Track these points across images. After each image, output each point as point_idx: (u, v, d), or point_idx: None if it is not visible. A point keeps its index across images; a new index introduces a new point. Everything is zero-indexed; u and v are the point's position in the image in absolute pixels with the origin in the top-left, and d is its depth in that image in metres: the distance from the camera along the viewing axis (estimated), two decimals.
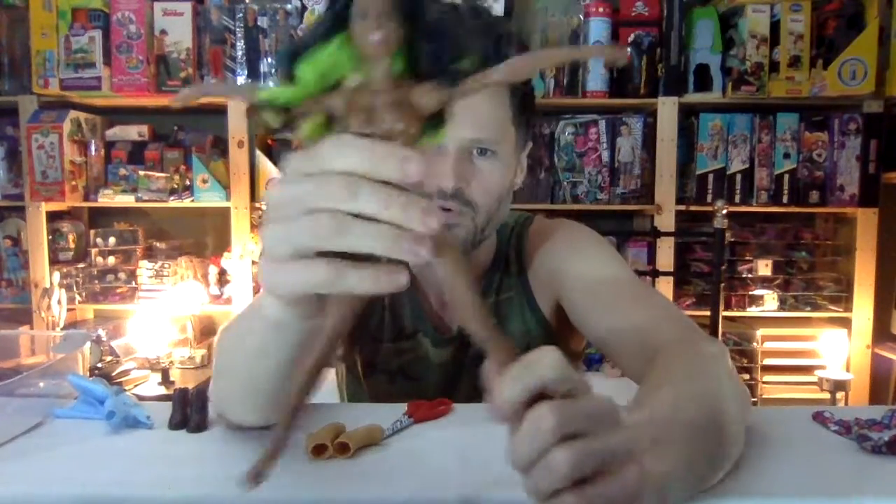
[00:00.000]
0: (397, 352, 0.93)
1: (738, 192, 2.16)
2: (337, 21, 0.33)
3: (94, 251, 2.28)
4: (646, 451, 0.41)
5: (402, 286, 0.33)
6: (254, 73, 2.15)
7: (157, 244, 2.33)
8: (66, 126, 2.15)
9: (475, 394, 0.93)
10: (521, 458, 0.35)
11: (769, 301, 2.19)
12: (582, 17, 2.14)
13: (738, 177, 2.16)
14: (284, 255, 0.34)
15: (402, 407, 0.73)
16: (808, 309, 2.19)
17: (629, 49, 2.04)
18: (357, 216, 0.32)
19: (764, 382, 2.15)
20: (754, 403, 2.06)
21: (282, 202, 0.34)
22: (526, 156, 0.90)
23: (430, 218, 0.32)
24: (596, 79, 2.11)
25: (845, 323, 2.17)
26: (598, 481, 0.35)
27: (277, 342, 0.48)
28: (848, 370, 2.11)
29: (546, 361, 0.36)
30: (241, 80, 2.12)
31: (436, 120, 0.35)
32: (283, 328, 0.46)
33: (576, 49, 0.41)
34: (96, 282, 2.27)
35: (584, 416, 0.35)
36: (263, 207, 0.38)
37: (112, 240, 2.29)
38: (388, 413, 0.72)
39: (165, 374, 2.08)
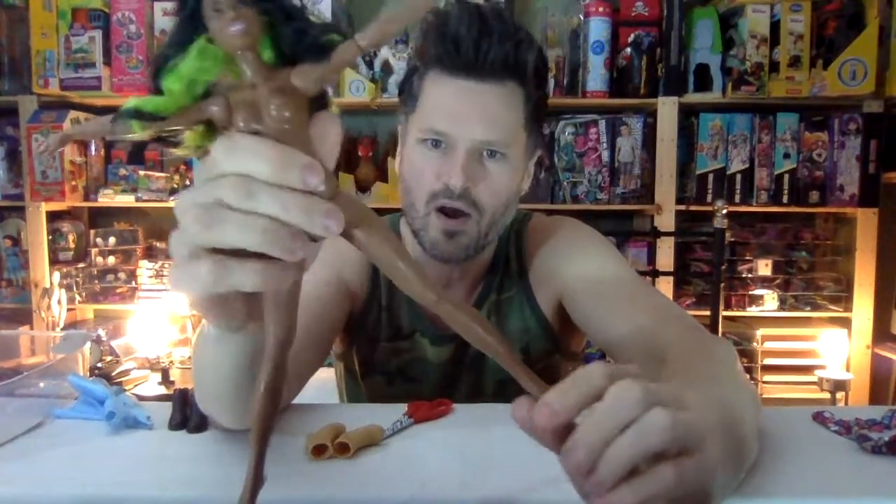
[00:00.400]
0: (395, 352, 0.93)
1: (738, 192, 2.16)
2: (192, 24, 0.31)
3: (94, 251, 2.28)
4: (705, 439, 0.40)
5: (291, 281, 0.33)
6: None
7: (157, 244, 2.33)
8: (66, 126, 2.15)
9: (475, 394, 0.93)
10: (602, 429, 0.35)
11: (769, 301, 2.19)
12: (582, 17, 2.14)
13: (738, 177, 2.16)
14: (183, 258, 0.33)
15: (402, 407, 0.73)
16: (808, 309, 2.19)
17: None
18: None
19: (764, 382, 2.15)
20: None
21: (181, 208, 0.33)
22: (534, 163, 0.89)
23: (332, 221, 0.32)
24: (596, 79, 2.10)
25: (845, 323, 2.17)
26: (682, 457, 0.36)
27: (223, 356, 0.48)
28: (848, 370, 2.11)
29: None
30: None
31: (320, 96, 0.33)
32: (222, 342, 0.46)
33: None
34: (96, 282, 2.27)
35: (662, 394, 0.37)
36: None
37: (112, 240, 2.29)
38: (388, 413, 0.72)
39: (165, 374, 2.08)
